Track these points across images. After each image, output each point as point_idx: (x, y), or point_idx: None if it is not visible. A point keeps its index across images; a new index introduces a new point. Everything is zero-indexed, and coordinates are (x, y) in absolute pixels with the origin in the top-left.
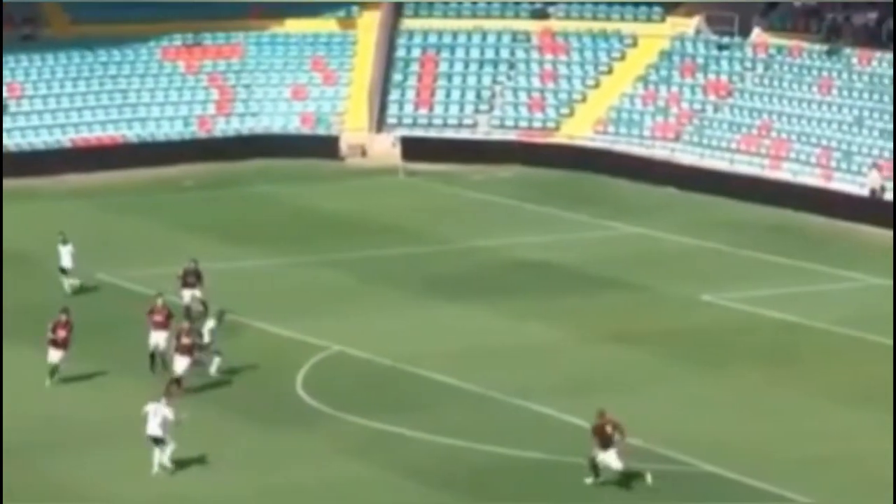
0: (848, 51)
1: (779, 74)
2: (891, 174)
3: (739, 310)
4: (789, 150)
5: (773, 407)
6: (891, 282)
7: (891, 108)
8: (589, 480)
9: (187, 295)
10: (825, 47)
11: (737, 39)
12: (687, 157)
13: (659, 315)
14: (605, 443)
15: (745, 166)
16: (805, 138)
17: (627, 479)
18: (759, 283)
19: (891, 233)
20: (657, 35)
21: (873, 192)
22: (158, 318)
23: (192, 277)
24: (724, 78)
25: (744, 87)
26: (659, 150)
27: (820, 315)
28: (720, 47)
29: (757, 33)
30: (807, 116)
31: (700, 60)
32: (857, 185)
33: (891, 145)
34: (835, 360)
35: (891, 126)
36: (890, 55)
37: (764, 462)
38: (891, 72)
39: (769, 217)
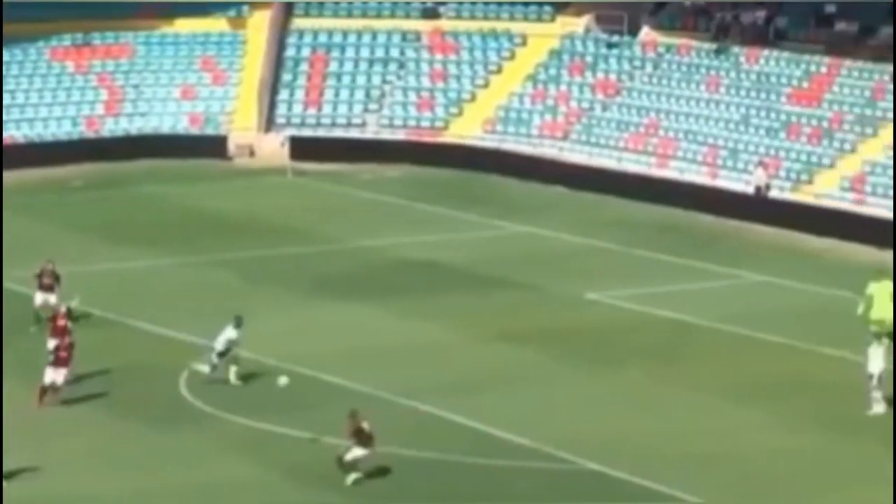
0: (736, 49)
1: (667, 73)
2: (776, 172)
3: (627, 308)
4: (677, 149)
5: (661, 405)
6: (776, 279)
7: (777, 105)
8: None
9: (40, 298)
10: (713, 46)
11: (626, 38)
12: (575, 155)
13: (547, 314)
14: (365, 441)
15: (632, 165)
16: (692, 136)
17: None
18: (646, 281)
19: (776, 230)
20: (547, 34)
21: (759, 189)
22: (47, 280)
23: (48, 279)
24: (612, 77)
25: (632, 86)
26: (548, 149)
27: (707, 313)
28: (609, 46)
29: (646, 32)
30: (694, 115)
31: (589, 59)
32: (742, 183)
33: (777, 143)
34: (721, 358)
35: (777, 124)
36: (776, 53)
37: (651, 460)
38: (777, 69)
39: (657, 215)
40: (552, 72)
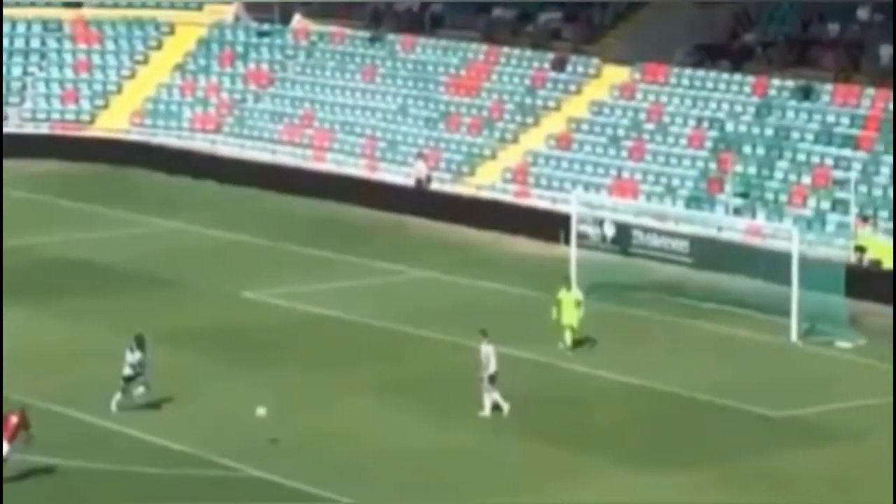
0: (391, 37)
1: (321, 62)
2: (436, 164)
3: (286, 307)
4: (333, 141)
5: (321, 406)
6: (438, 274)
7: (436, 95)
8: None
9: None
10: (368, 34)
11: (277, 26)
12: (228, 149)
13: (200, 313)
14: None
15: (288, 157)
16: (349, 128)
17: None
18: (305, 278)
19: (438, 224)
20: (194, 23)
21: (419, 182)
22: None
23: None
24: (264, 66)
25: (285, 76)
26: (199, 143)
27: (368, 310)
28: (260, 34)
29: (298, 20)
30: (350, 105)
31: (239, 48)
32: (402, 176)
33: (436, 134)
34: (382, 357)
35: (436, 114)
36: (433, 40)
37: (310, 464)
38: (434, 58)
39: (314, 210)
40: (202, 62)
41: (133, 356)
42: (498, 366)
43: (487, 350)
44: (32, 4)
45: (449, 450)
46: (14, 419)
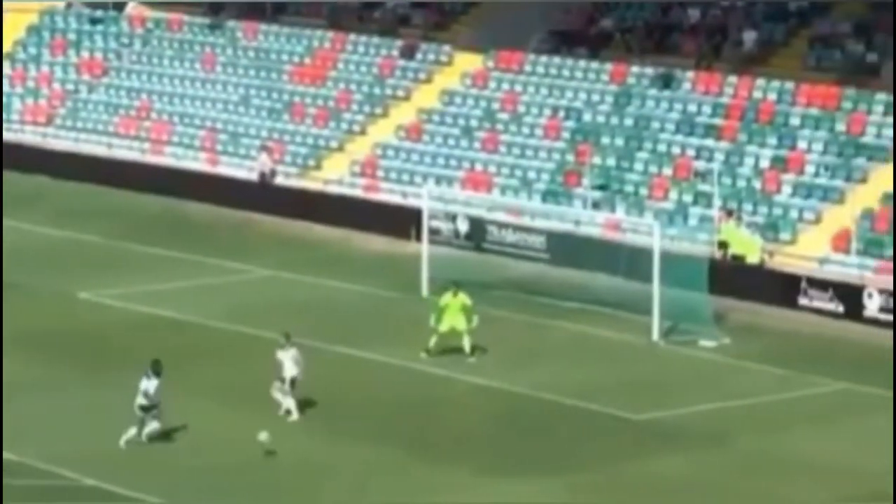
0: (232, 24)
1: (158, 51)
2: (281, 157)
3: (124, 308)
4: (172, 133)
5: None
6: (284, 272)
7: (280, 85)
8: None
9: None
10: (207, 21)
11: (111, 13)
12: (60, 142)
13: (34, 316)
14: None
15: (124, 151)
16: (189, 120)
17: None
18: (142, 278)
19: (283, 220)
20: (24, 9)
21: (263, 176)
22: None
23: None
24: (98, 55)
25: (121, 66)
26: (30, 136)
27: (209, 311)
28: (93, 21)
29: (133, 6)
30: (190, 96)
31: (72, 36)
32: (245, 170)
33: (280, 126)
34: (226, 359)
35: (279, 105)
36: (276, 27)
37: (147, 471)
38: (277, 45)
39: (153, 206)
40: (32, 51)
41: (149, 383)
42: (300, 371)
43: (285, 356)
44: None
45: (294, 455)
46: None
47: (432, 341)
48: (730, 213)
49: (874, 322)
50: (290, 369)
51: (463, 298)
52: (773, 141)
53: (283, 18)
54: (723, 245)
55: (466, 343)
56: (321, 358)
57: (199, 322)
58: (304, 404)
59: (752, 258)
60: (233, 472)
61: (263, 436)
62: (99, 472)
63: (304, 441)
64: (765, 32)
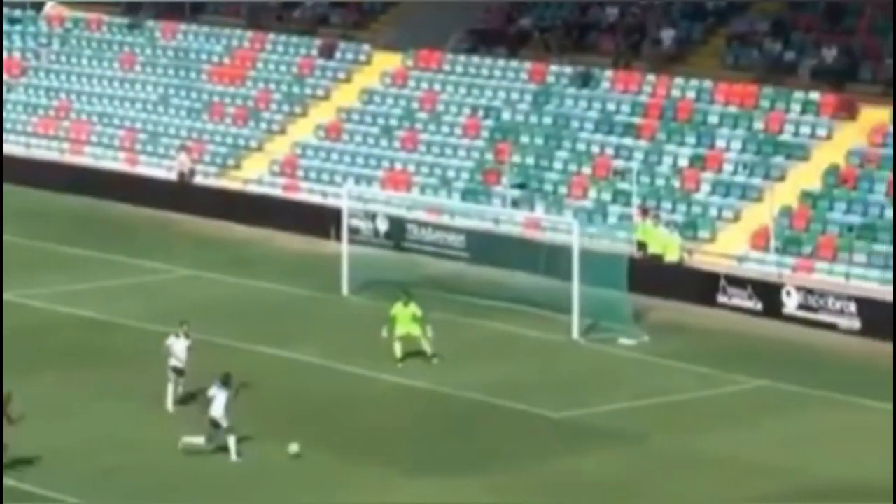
0: (151, 24)
1: (77, 50)
2: (200, 156)
3: (42, 308)
4: (91, 133)
5: (78, 412)
6: (204, 272)
7: (199, 84)
8: None
9: None
10: (126, 20)
11: (29, 13)
12: None
13: None
14: None
15: (43, 151)
16: (108, 120)
17: None
18: (61, 278)
19: (203, 220)
20: None
21: (182, 175)
22: None
23: None
24: (16, 55)
25: (39, 65)
26: None
27: (129, 311)
28: (11, 21)
29: (51, 6)
30: (109, 95)
31: None
32: (164, 170)
33: (200, 125)
34: (146, 360)
35: (199, 104)
36: (195, 27)
37: (66, 472)
38: (196, 45)
39: (72, 206)
40: None
41: (220, 392)
42: (187, 362)
43: (177, 344)
44: None
45: (217, 456)
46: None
47: (397, 349)
48: (645, 213)
49: (793, 319)
50: (177, 360)
51: (414, 308)
52: (691, 139)
53: (202, 18)
54: (642, 245)
55: (426, 346)
56: (242, 358)
57: (119, 322)
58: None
59: (672, 257)
60: (150, 472)
61: (294, 448)
62: (16, 472)
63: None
64: (683, 31)
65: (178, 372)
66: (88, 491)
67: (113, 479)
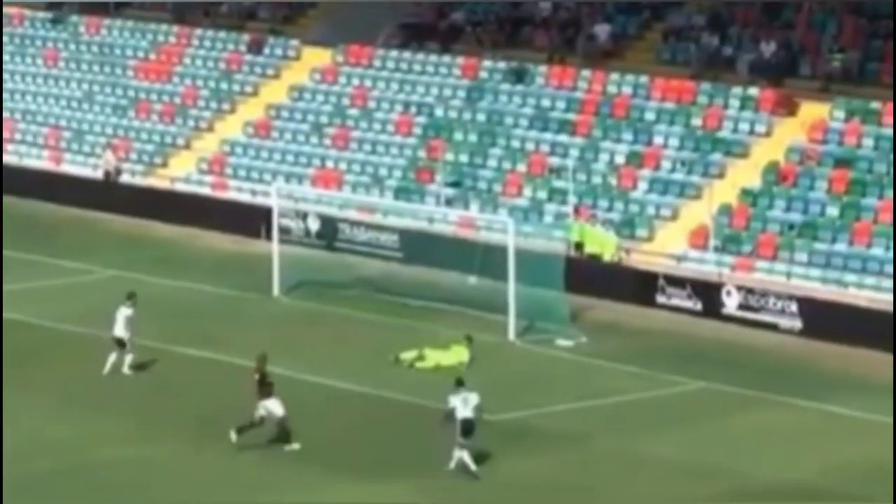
0: (75, 19)
1: None
2: (127, 154)
3: None
4: (14, 131)
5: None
6: (130, 273)
7: (125, 81)
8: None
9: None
10: (49, 15)
11: None
12: None
13: None
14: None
15: None
16: (31, 117)
17: None
18: None
19: (129, 219)
20: None
21: (108, 174)
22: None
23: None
24: None
25: None
26: None
27: (52, 313)
28: None
29: None
30: (32, 92)
31: None
32: (90, 168)
33: (126, 122)
34: (70, 362)
35: (124, 101)
36: (120, 22)
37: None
38: (121, 41)
39: None
40: None
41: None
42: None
43: (121, 314)
44: None
45: (146, 460)
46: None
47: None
48: (577, 212)
49: (732, 319)
50: (120, 329)
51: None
52: (628, 136)
53: (127, 13)
54: (579, 245)
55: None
56: (169, 360)
57: (42, 324)
58: (150, 407)
59: (609, 256)
60: (67, 474)
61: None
62: None
63: (151, 445)
64: (618, 26)
65: (118, 342)
66: (27, 497)
67: (48, 485)
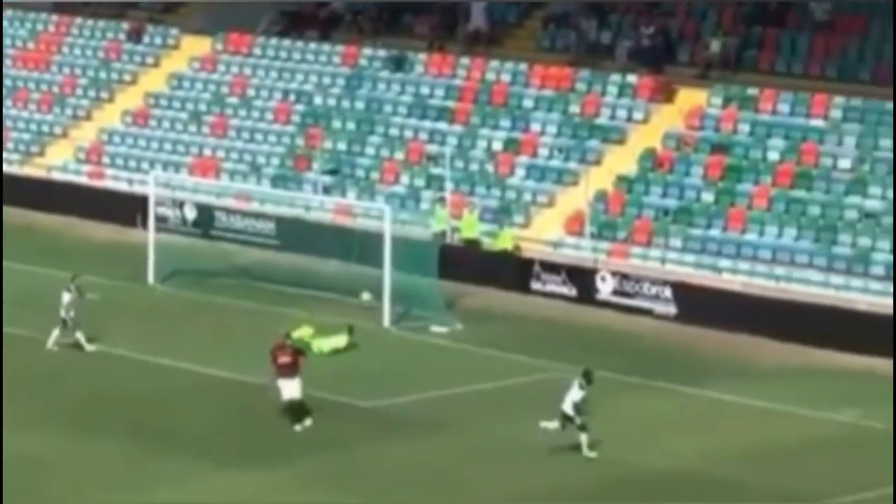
0: None
1: None
2: (5, 144)
3: None
4: None
5: None
6: (7, 263)
7: (4, 69)
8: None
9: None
10: None
11: None
12: None
13: None
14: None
15: None
16: None
17: None
18: None
19: (8, 209)
20: None
21: None
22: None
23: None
24: None
25: None
26: None
27: None
28: None
29: None
30: None
31: None
32: None
33: (4, 111)
34: None
35: (3, 90)
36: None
37: None
38: None
39: None
40: None
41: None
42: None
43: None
44: None
45: (28, 454)
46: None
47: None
48: (442, 200)
49: (607, 305)
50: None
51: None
52: (506, 123)
53: (6, 2)
54: (456, 231)
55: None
56: (45, 351)
57: None
58: (31, 400)
59: (505, 245)
60: None
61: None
62: None
63: (31, 436)
64: (497, 13)
65: (62, 322)
66: None
67: None
